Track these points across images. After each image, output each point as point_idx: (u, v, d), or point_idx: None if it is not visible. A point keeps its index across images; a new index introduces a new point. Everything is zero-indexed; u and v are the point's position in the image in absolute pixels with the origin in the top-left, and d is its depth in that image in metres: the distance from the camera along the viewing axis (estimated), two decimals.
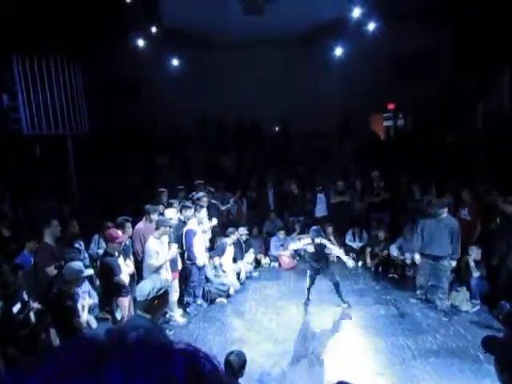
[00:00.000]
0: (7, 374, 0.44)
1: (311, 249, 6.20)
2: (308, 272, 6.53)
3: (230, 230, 7.74)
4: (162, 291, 3.04)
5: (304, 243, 6.29)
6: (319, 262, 6.31)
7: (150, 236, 5.65)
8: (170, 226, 5.79)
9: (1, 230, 6.51)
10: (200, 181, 8.43)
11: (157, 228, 5.62)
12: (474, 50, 10.71)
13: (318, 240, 6.09)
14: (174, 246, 5.84)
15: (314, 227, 6.44)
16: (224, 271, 7.30)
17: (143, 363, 0.43)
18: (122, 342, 0.46)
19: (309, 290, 6.54)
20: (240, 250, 8.14)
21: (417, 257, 6.32)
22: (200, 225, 6.60)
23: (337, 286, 6.35)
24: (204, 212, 6.72)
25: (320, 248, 6.17)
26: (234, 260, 7.76)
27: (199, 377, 0.46)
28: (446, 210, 6.03)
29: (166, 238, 5.76)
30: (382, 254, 7.94)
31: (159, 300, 3.03)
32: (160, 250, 5.51)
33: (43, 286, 5.12)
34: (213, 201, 8.27)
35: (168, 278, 5.74)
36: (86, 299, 4.84)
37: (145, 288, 3.06)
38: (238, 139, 12.99)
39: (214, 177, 10.59)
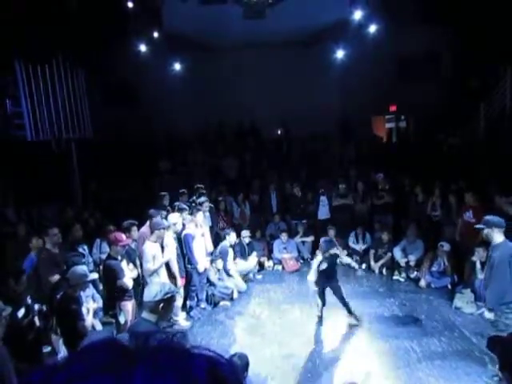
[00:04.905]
0: (34, 372, 0.45)
1: (324, 266, 5.72)
2: (317, 290, 5.94)
3: (227, 230, 7.75)
4: (168, 295, 3.06)
5: (317, 263, 5.77)
6: (330, 277, 5.84)
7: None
8: (164, 228, 5.63)
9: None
10: (200, 185, 8.42)
11: (152, 232, 5.59)
12: (477, 52, 10.72)
13: (332, 251, 5.75)
14: (168, 252, 5.72)
15: (325, 238, 6.15)
16: (231, 275, 7.31)
17: (167, 364, 0.45)
18: (147, 344, 0.48)
19: (322, 308, 5.99)
20: (243, 253, 8.15)
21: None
22: (198, 228, 6.59)
23: (342, 299, 5.89)
24: (201, 215, 6.71)
25: (332, 260, 5.79)
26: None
27: (220, 380, 0.47)
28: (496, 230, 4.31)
29: (171, 241, 5.75)
30: (386, 256, 7.93)
31: (165, 304, 3.05)
32: (158, 253, 5.47)
33: (45, 291, 5.12)
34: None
35: (178, 284, 5.74)
36: (90, 303, 4.85)
37: (153, 290, 3.09)
38: (239, 142, 13.01)
39: (216, 180, 10.61)
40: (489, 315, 4.29)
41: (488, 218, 4.45)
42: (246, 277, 7.79)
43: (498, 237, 4.30)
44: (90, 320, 4.24)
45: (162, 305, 3.04)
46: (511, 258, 4.16)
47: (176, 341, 0.51)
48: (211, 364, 0.49)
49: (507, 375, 2.21)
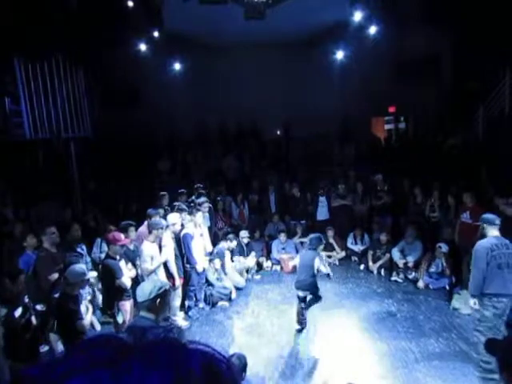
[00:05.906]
0: (33, 366, 0.45)
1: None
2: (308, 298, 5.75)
3: (230, 236, 7.77)
4: (162, 290, 3.09)
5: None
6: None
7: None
8: (162, 228, 5.62)
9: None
10: (199, 185, 8.42)
11: (150, 232, 5.58)
12: (476, 54, 10.72)
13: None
14: (166, 252, 5.72)
15: (314, 235, 5.95)
16: (226, 273, 7.31)
17: (162, 359, 0.46)
18: (143, 339, 0.49)
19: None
20: (241, 253, 8.15)
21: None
22: (197, 228, 6.60)
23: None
24: (200, 215, 6.71)
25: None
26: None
27: (215, 375, 0.48)
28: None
29: (169, 241, 5.75)
30: (384, 257, 7.93)
31: (161, 299, 3.08)
32: (156, 253, 5.47)
33: (44, 290, 5.12)
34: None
35: (176, 283, 5.74)
36: (88, 297, 4.86)
37: (146, 288, 3.11)
38: (239, 143, 13.02)
39: (216, 181, 10.61)
40: (472, 301, 4.60)
41: (484, 215, 4.75)
42: (246, 274, 7.81)
43: (490, 233, 4.56)
44: (88, 319, 4.23)
45: (158, 300, 3.07)
46: (490, 251, 4.39)
47: (173, 336, 0.51)
48: (207, 359, 0.49)
49: (506, 376, 2.22)
